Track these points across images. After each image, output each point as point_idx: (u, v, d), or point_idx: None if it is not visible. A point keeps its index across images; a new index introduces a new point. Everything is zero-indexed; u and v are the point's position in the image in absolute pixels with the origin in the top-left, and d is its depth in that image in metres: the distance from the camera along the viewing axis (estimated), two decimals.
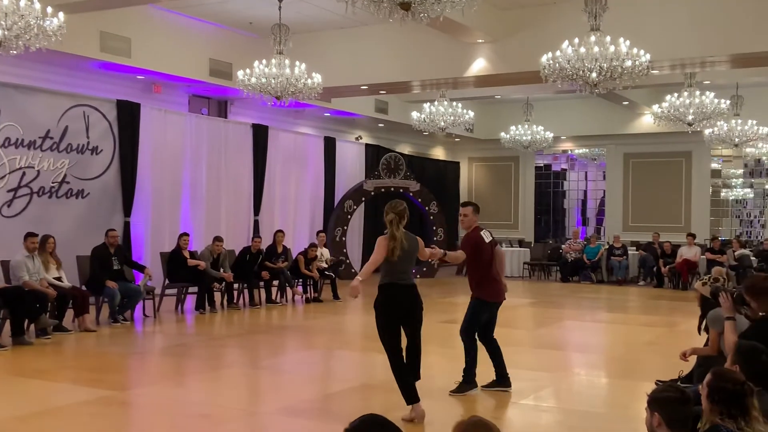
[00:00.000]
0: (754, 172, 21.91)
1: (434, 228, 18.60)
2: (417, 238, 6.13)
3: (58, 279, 10.02)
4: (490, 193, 23.58)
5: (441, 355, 8.38)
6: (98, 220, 12.30)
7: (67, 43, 9.90)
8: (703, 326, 6.12)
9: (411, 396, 5.87)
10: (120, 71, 13.08)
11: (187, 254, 11.99)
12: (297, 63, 11.52)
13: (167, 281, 11.96)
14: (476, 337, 6.85)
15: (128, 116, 13.07)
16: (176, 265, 11.88)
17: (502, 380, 6.86)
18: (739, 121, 16.98)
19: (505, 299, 7.03)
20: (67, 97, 12.33)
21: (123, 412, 6.37)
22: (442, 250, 6.71)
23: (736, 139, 17.24)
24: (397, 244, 5.83)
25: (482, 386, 6.81)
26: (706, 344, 5.96)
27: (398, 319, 5.93)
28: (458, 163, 24.73)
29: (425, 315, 6.11)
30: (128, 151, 13.04)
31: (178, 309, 11.89)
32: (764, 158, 21.71)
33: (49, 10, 8.46)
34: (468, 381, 6.73)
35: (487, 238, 6.86)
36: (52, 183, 11.97)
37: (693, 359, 6.01)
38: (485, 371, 6.86)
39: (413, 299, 5.97)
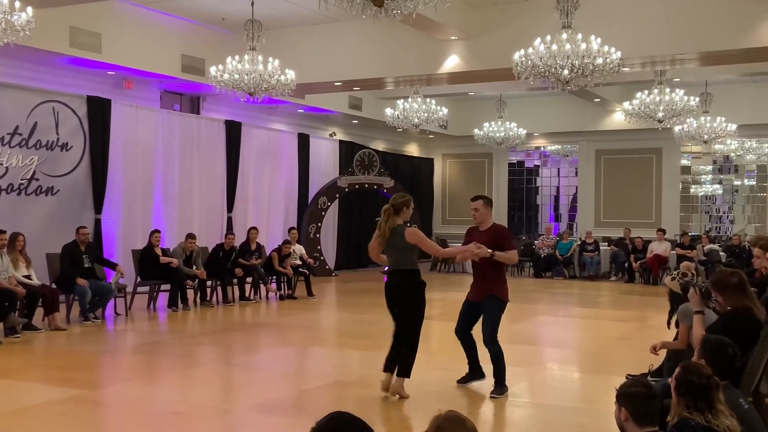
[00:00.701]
0: (722, 169, 22.23)
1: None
2: (406, 229, 6.34)
3: (28, 277, 9.89)
4: (464, 189, 23.62)
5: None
6: (68, 218, 12.16)
7: (36, 38, 9.77)
8: (673, 321, 6.20)
9: (386, 364, 6.29)
10: (90, 67, 12.92)
11: (159, 251, 11.90)
12: (270, 59, 11.47)
13: (139, 279, 11.87)
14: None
15: (99, 112, 12.92)
16: (148, 262, 11.78)
17: (476, 373, 6.82)
18: (708, 118, 17.22)
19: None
20: (36, 92, 12.15)
21: (94, 411, 6.31)
22: (489, 250, 6.31)
23: (705, 136, 17.48)
24: (379, 234, 6.24)
25: (458, 381, 6.83)
26: (675, 338, 6.03)
27: (389, 303, 6.32)
28: (432, 159, 24.78)
29: None
30: (99, 147, 12.90)
31: (151, 307, 11.80)
32: (732, 155, 22.03)
33: (17, 4, 8.34)
34: (503, 383, 6.56)
35: None
36: (21, 180, 11.80)
37: (663, 353, 6.08)
38: (463, 367, 6.89)
39: (395, 285, 6.25)
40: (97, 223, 12.82)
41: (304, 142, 18.19)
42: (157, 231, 12.16)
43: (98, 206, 12.88)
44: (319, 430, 2.43)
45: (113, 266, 11.11)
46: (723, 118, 17.29)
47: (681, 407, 3.32)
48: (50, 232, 11.74)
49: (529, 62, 10.07)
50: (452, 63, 13.38)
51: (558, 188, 24.13)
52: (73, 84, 13.11)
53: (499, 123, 19.30)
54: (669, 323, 6.33)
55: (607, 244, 18.85)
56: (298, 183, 18.01)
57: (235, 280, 12.93)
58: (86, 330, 9.96)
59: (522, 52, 10.19)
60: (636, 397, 3.21)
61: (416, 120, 16.52)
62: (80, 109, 12.72)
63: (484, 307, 6.54)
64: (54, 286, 10.43)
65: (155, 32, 13.36)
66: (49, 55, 11.97)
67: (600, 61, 9.95)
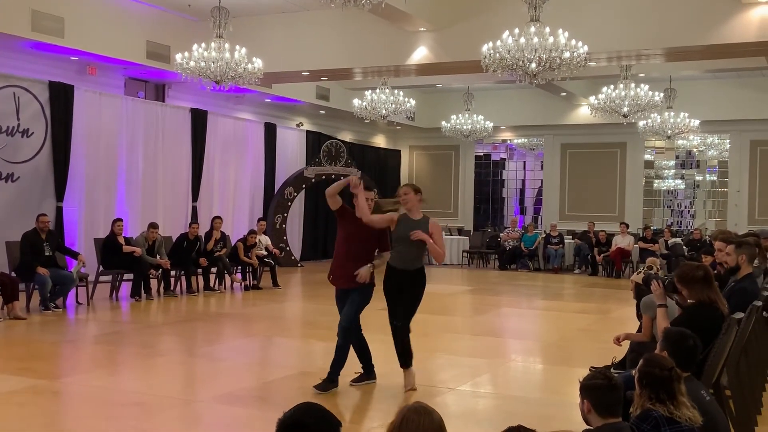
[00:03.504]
0: (685, 164, 22.57)
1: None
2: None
3: None
4: (431, 181, 23.71)
5: (382, 342, 8.40)
6: (29, 205, 11.94)
7: None
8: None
9: None
10: (53, 51, 12.65)
11: (122, 240, 11.73)
12: (237, 47, 11.35)
13: (101, 268, 11.70)
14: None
15: (61, 98, 12.69)
16: (111, 251, 11.61)
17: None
18: (672, 113, 17.45)
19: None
20: None
21: (53, 402, 6.20)
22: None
23: (669, 131, 17.72)
24: None
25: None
26: (639, 330, 6.10)
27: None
28: (399, 151, 24.80)
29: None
30: (61, 134, 12.67)
31: (113, 296, 11.64)
32: (695, 150, 22.37)
33: None
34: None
35: None
36: None
37: (626, 345, 6.15)
38: (424, 357, 6.89)
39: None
40: (59, 211, 12.61)
41: (270, 131, 18.07)
42: (119, 219, 11.98)
43: (60, 194, 12.66)
44: (287, 421, 2.40)
45: (75, 255, 10.93)
46: (686, 114, 17.54)
47: (644, 398, 3.36)
48: (10, 220, 11.52)
49: (497, 55, 10.11)
50: (420, 54, 13.37)
51: (524, 181, 24.30)
52: (34, 69, 12.83)
53: (467, 115, 19.36)
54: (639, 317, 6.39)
55: (571, 237, 19.03)
56: (265, 173, 17.90)
57: (199, 270, 12.81)
58: (46, 319, 9.79)
59: (490, 44, 10.22)
60: (597, 389, 3.24)
61: (384, 111, 16.50)
62: (42, 94, 12.48)
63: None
64: (14, 274, 10.23)
65: (119, 17, 13.12)
66: (10, 38, 11.69)
67: (567, 55, 10.02)
